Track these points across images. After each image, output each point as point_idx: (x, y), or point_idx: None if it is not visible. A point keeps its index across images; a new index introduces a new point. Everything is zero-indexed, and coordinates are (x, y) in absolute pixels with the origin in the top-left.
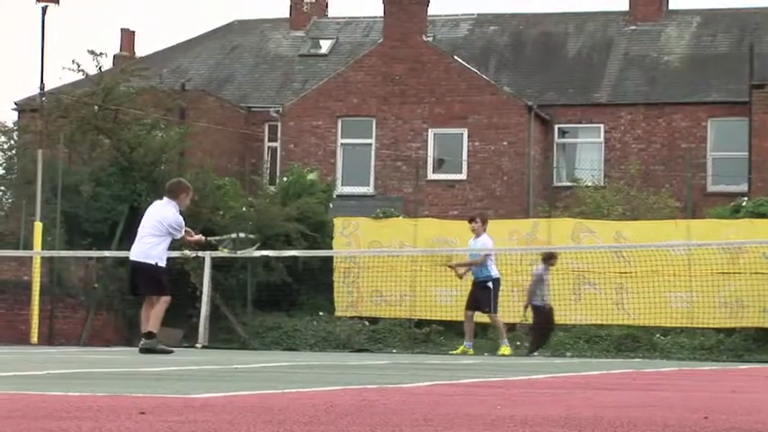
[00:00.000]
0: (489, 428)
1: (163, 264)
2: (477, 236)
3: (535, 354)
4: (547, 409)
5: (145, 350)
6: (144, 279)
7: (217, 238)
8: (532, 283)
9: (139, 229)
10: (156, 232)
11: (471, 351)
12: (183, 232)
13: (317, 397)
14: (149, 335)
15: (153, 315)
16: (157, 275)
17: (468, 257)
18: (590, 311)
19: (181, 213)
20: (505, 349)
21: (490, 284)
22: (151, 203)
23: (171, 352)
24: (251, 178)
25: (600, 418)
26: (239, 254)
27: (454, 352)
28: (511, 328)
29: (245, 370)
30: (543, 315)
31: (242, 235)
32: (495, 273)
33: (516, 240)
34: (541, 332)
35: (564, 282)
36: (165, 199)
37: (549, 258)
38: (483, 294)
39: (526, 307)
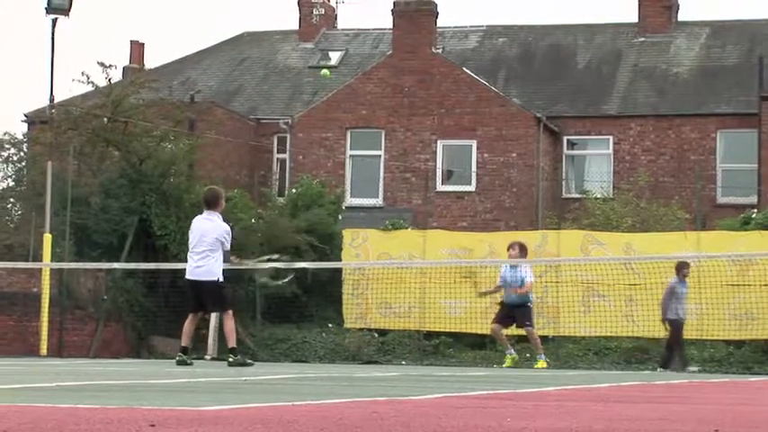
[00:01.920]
0: None
1: (222, 279)
2: (518, 264)
3: (669, 369)
4: (557, 422)
5: (235, 364)
6: (210, 296)
7: (253, 263)
8: (665, 295)
9: (196, 246)
10: (215, 248)
11: (517, 356)
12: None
13: (328, 409)
14: (233, 350)
15: (228, 332)
16: (221, 291)
17: (500, 282)
18: (599, 323)
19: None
20: (542, 363)
21: (530, 304)
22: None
23: (251, 365)
24: (260, 190)
25: (611, 431)
26: (279, 282)
27: (506, 365)
28: (520, 339)
29: (254, 382)
30: (676, 329)
31: (279, 264)
32: (532, 297)
33: None
34: (674, 346)
35: (573, 293)
36: (207, 212)
37: (682, 268)
38: (524, 312)
39: (663, 321)
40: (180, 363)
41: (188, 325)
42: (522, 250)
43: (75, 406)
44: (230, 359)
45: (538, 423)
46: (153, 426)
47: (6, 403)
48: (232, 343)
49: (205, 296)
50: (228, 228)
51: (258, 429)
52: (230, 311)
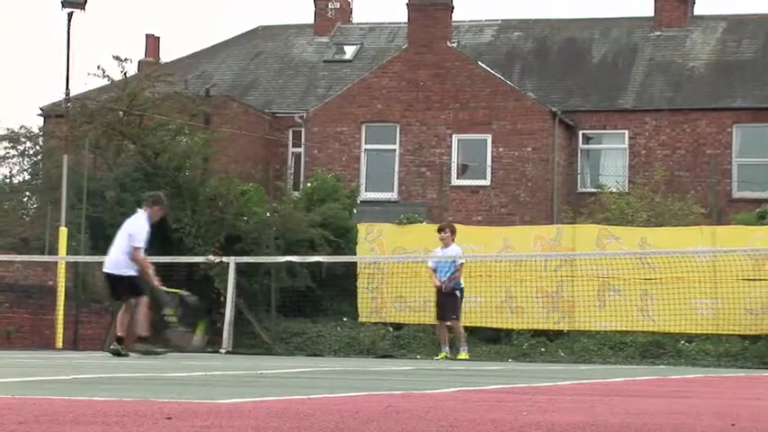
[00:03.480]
0: None
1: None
2: (447, 245)
3: None
4: (573, 416)
5: (141, 352)
6: (124, 287)
7: (166, 291)
8: None
9: (117, 239)
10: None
11: (446, 354)
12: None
13: (343, 403)
14: (136, 339)
15: (140, 320)
16: (136, 281)
17: (431, 265)
18: (615, 318)
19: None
20: (464, 355)
21: (458, 293)
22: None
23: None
24: (275, 184)
25: (627, 425)
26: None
27: (438, 358)
28: (536, 333)
29: (270, 375)
30: None
31: (192, 298)
32: (462, 283)
33: (540, 246)
34: None
35: (588, 288)
36: (142, 210)
37: None
38: (452, 302)
39: None
40: (114, 353)
41: (122, 315)
42: (453, 233)
43: (91, 399)
44: (117, 347)
45: (554, 417)
46: (169, 418)
47: (24, 396)
48: (144, 332)
49: (121, 289)
50: (143, 228)
51: (274, 422)
52: (145, 299)
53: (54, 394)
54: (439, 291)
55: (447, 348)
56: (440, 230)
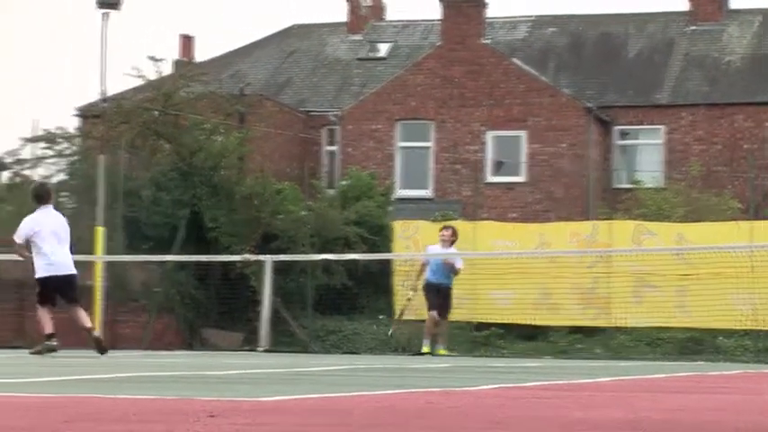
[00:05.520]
0: (564, 431)
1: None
2: (447, 246)
3: None
4: (616, 412)
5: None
6: (74, 288)
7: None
8: None
9: (59, 238)
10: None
11: (427, 349)
12: None
13: (383, 400)
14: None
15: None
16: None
17: (424, 259)
18: (651, 314)
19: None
20: (443, 351)
21: (448, 290)
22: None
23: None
24: (310, 182)
25: (671, 422)
26: None
27: (425, 350)
28: (573, 330)
29: (308, 373)
30: None
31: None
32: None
33: (576, 243)
34: None
35: (625, 284)
36: (45, 206)
37: None
38: (444, 299)
39: None
40: (50, 350)
41: (48, 314)
42: (456, 234)
43: (134, 397)
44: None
45: (597, 413)
46: (213, 416)
47: (67, 394)
48: (50, 329)
49: (71, 288)
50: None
51: (316, 419)
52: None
53: (96, 392)
54: (437, 289)
55: (429, 342)
56: (443, 228)
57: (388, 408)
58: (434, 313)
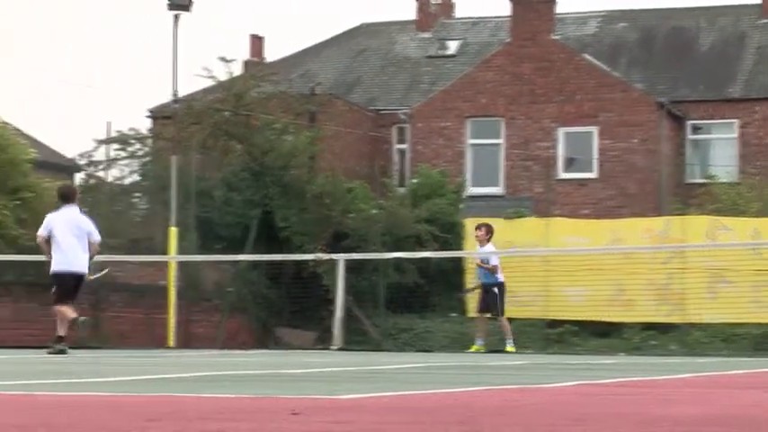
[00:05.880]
0: (645, 428)
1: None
2: (481, 245)
3: None
4: (696, 408)
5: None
6: (80, 288)
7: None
8: None
9: (76, 237)
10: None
11: (482, 348)
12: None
13: (461, 397)
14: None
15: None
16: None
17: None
18: (727, 310)
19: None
20: (510, 348)
21: (495, 289)
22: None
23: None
24: (380, 181)
25: (752, 417)
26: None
27: (470, 351)
28: (647, 326)
29: (383, 371)
30: None
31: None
32: (500, 278)
33: (649, 239)
34: None
35: (699, 280)
36: (69, 205)
37: None
38: (490, 298)
39: None
40: (60, 352)
41: (67, 313)
42: (489, 232)
43: (217, 396)
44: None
45: (674, 410)
46: (295, 413)
47: (148, 393)
48: (64, 332)
49: (77, 288)
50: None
51: (397, 417)
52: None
53: (177, 391)
54: (482, 287)
55: (481, 342)
56: (477, 228)
57: (466, 405)
58: (478, 311)
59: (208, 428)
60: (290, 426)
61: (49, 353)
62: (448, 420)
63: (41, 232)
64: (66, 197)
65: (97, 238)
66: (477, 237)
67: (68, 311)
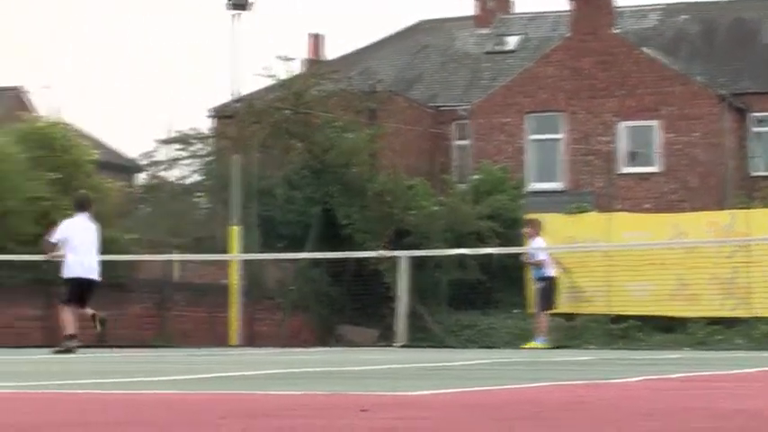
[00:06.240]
0: (718, 422)
1: None
2: (532, 239)
3: None
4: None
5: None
6: (94, 292)
7: None
8: None
9: (89, 244)
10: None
11: (541, 345)
12: None
13: (528, 393)
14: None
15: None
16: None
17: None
18: None
19: None
20: (532, 344)
21: (542, 284)
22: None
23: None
24: (441, 177)
25: None
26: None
27: (524, 346)
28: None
29: (448, 368)
30: None
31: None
32: (549, 272)
33: (713, 232)
34: None
35: (765, 274)
36: (83, 214)
37: None
38: (536, 293)
39: None
40: (67, 350)
41: (71, 315)
42: (535, 227)
43: (284, 393)
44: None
45: (747, 404)
46: (365, 410)
47: (219, 391)
48: (71, 330)
49: (91, 293)
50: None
51: (462, 413)
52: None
53: (245, 389)
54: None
55: (543, 340)
56: (524, 225)
57: (532, 401)
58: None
59: (279, 425)
60: (360, 422)
61: (56, 351)
62: (515, 416)
63: (54, 239)
64: (82, 205)
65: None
66: (525, 233)
67: (69, 319)
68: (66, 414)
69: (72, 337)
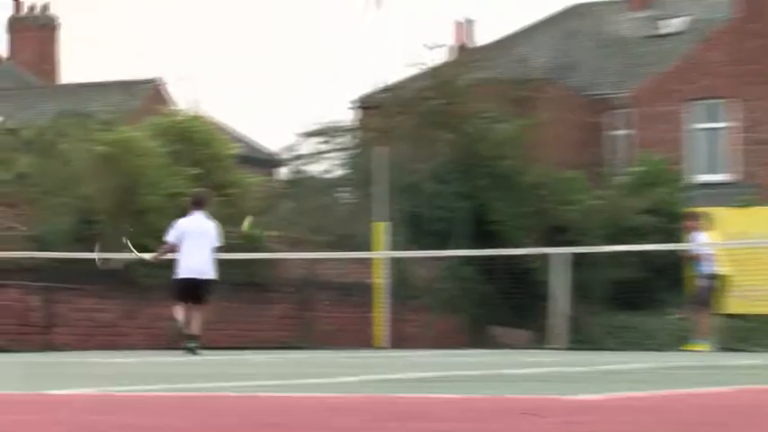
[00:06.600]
0: None
1: None
2: (693, 233)
3: None
4: None
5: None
6: (208, 291)
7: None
8: None
9: (201, 244)
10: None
11: (702, 347)
12: None
13: (708, 397)
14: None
15: (203, 320)
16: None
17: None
18: None
19: None
20: (689, 346)
21: (705, 281)
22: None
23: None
24: (597, 169)
25: None
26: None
27: (685, 347)
28: None
29: (611, 371)
30: None
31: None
32: (710, 269)
33: None
34: None
35: None
36: (199, 212)
37: None
38: (695, 290)
39: None
40: (190, 349)
41: (182, 311)
42: (695, 220)
43: (444, 396)
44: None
45: None
46: (536, 415)
47: (369, 394)
48: (198, 331)
49: (201, 291)
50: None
51: (634, 418)
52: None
53: (400, 392)
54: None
55: (706, 341)
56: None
57: (716, 406)
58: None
59: (437, 428)
60: (520, 426)
61: (186, 348)
62: (695, 421)
63: (170, 239)
64: (198, 203)
65: (217, 243)
66: (687, 227)
67: (181, 316)
68: (234, 417)
69: (193, 337)
